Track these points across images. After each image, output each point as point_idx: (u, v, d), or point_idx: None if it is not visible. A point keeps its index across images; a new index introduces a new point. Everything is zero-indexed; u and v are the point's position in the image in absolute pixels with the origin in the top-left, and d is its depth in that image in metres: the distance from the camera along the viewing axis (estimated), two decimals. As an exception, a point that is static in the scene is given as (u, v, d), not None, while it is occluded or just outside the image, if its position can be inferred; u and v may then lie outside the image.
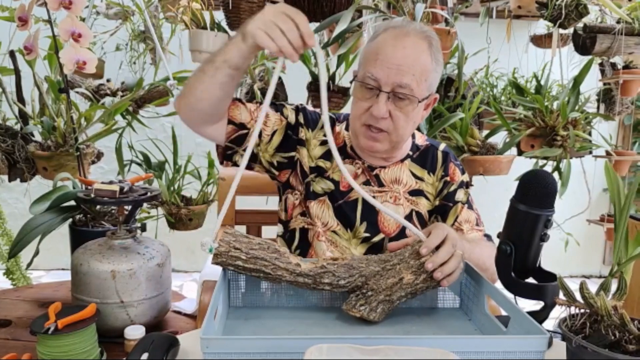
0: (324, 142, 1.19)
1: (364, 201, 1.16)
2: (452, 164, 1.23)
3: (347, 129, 1.21)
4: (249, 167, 1.19)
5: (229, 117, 1.12)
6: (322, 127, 1.19)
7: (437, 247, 0.87)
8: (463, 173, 1.24)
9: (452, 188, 1.20)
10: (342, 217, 1.16)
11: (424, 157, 1.22)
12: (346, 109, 1.68)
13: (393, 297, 0.86)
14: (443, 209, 1.20)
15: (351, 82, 1.18)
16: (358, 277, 0.88)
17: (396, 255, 0.90)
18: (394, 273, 0.87)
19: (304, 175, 1.19)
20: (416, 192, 1.20)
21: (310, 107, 1.23)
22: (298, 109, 1.20)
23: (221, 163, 1.18)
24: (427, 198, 1.20)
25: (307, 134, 1.19)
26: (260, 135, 1.14)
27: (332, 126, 1.21)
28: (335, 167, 1.18)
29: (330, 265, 0.87)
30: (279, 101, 1.21)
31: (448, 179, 1.21)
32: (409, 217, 1.18)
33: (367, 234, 1.16)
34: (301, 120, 1.19)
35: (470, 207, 1.21)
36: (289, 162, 1.18)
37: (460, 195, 1.20)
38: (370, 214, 1.17)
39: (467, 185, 1.23)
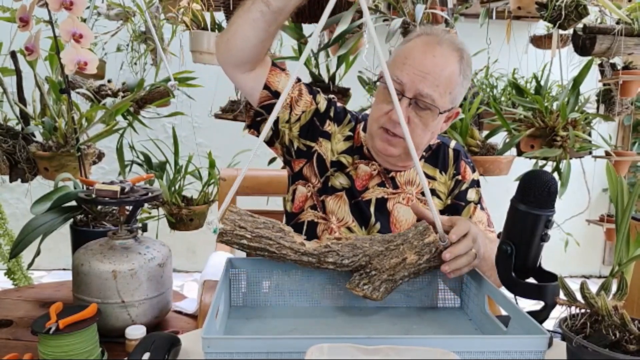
0: (347, 138, 1.20)
1: (377, 202, 1.17)
2: (463, 162, 1.22)
3: (364, 129, 1.21)
4: (270, 142, 1.19)
5: (267, 82, 1.11)
6: (348, 122, 1.21)
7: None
8: (474, 171, 1.24)
9: (464, 187, 1.20)
10: (358, 214, 1.16)
11: (435, 156, 1.22)
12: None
13: (396, 277, 0.87)
14: (455, 208, 1.20)
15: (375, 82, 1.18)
16: (362, 256, 0.88)
17: (400, 235, 0.91)
18: (398, 253, 0.88)
19: (322, 168, 1.18)
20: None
21: (338, 103, 1.23)
22: (330, 101, 1.20)
23: (247, 127, 1.17)
24: (439, 197, 1.20)
25: (332, 128, 1.19)
26: (290, 113, 1.15)
27: (355, 125, 1.21)
28: (355, 164, 1.18)
29: (335, 245, 0.87)
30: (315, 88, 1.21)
31: (460, 177, 1.21)
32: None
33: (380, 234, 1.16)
34: (331, 113, 1.19)
35: (482, 207, 1.21)
36: (307, 151, 1.18)
37: (471, 194, 1.20)
38: (383, 214, 1.17)
39: (478, 183, 1.23)
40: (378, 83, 1.14)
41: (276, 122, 1.15)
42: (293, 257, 0.86)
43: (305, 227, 1.18)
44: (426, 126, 1.09)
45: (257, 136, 1.18)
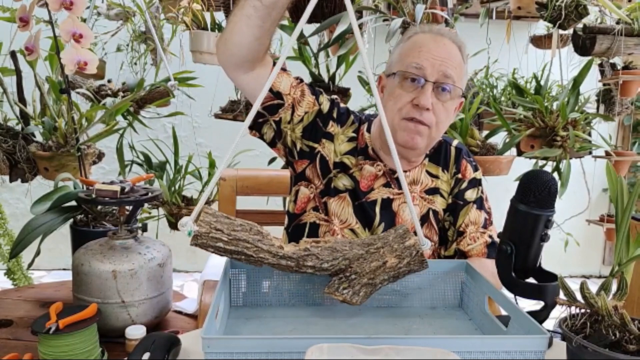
0: (351, 139, 1.20)
1: (383, 202, 1.17)
2: (464, 160, 1.23)
3: (368, 130, 1.21)
4: (272, 143, 1.18)
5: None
6: (352, 124, 1.20)
7: None
8: (476, 170, 1.24)
9: (463, 186, 1.21)
10: (361, 216, 1.16)
11: (437, 154, 1.22)
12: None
13: (376, 281, 0.86)
14: (454, 207, 1.20)
15: (379, 84, 1.16)
16: (342, 260, 0.85)
17: (380, 238, 0.89)
18: (378, 256, 0.86)
19: (325, 170, 1.18)
20: (432, 191, 1.20)
21: (341, 104, 1.23)
22: (333, 102, 1.20)
23: (249, 128, 1.16)
24: (442, 196, 1.21)
25: (336, 129, 1.19)
26: (292, 114, 1.14)
27: (359, 126, 1.21)
28: (359, 165, 1.18)
29: (314, 248, 0.85)
30: (318, 89, 1.21)
31: (460, 176, 1.21)
32: (425, 216, 1.18)
33: None
34: (334, 114, 1.19)
35: (481, 206, 1.21)
36: (310, 152, 1.18)
37: (470, 194, 1.20)
38: (388, 215, 1.17)
39: (479, 182, 1.23)
40: (391, 76, 1.13)
41: (278, 123, 1.14)
42: (271, 260, 0.83)
43: (307, 229, 1.18)
44: (448, 111, 1.11)
45: (259, 137, 1.18)
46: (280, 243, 0.85)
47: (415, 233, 0.89)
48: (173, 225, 1.82)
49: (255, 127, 1.16)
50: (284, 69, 1.14)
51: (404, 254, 0.86)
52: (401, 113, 1.09)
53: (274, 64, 1.11)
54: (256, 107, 0.82)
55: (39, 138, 1.69)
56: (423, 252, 0.88)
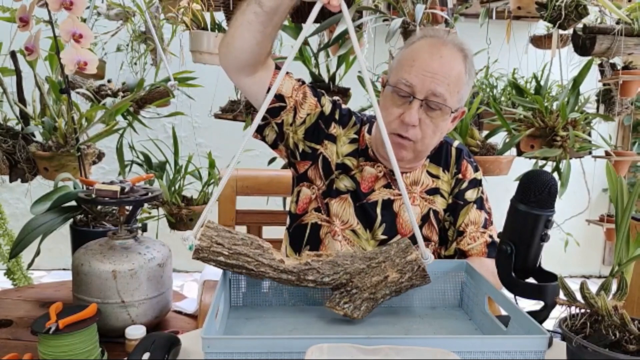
0: (352, 140, 1.20)
1: (384, 203, 1.17)
2: (465, 161, 1.23)
3: (369, 131, 1.21)
4: (274, 144, 1.19)
5: (270, 85, 1.09)
6: (353, 125, 1.21)
7: None
8: (476, 170, 1.24)
9: (463, 186, 1.21)
10: (362, 217, 1.17)
11: (438, 155, 1.23)
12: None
13: (377, 295, 0.86)
14: (454, 206, 1.20)
15: (383, 86, 1.16)
16: (343, 274, 0.86)
17: (382, 252, 0.89)
18: (379, 271, 0.86)
19: (327, 171, 1.18)
20: (433, 191, 1.20)
21: (343, 105, 1.23)
22: (335, 104, 1.20)
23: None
24: (442, 196, 1.21)
25: (338, 130, 1.19)
26: (294, 116, 1.14)
27: (360, 127, 1.21)
28: (360, 166, 1.18)
29: (315, 262, 0.86)
30: (320, 90, 1.21)
31: (460, 176, 1.22)
32: (426, 216, 1.19)
33: (384, 236, 1.16)
34: (336, 116, 1.19)
35: (481, 206, 1.21)
36: (312, 154, 1.18)
37: (471, 194, 1.21)
38: (389, 216, 1.17)
39: (479, 183, 1.23)
40: (384, 88, 1.13)
41: (280, 125, 1.15)
42: (272, 274, 0.84)
43: (308, 230, 1.18)
44: (437, 127, 1.09)
45: (261, 139, 1.19)
46: (281, 257, 0.85)
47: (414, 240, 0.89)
48: (173, 226, 1.82)
49: (257, 130, 1.16)
50: (287, 73, 1.14)
51: (406, 268, 0.86)
52: (390, 127, 1.09)
53: (276, 66, 1.11)
54: (260, 115, 0.83)
55: (39, 138, 1.69)
56: (425, 266, 0.87)
